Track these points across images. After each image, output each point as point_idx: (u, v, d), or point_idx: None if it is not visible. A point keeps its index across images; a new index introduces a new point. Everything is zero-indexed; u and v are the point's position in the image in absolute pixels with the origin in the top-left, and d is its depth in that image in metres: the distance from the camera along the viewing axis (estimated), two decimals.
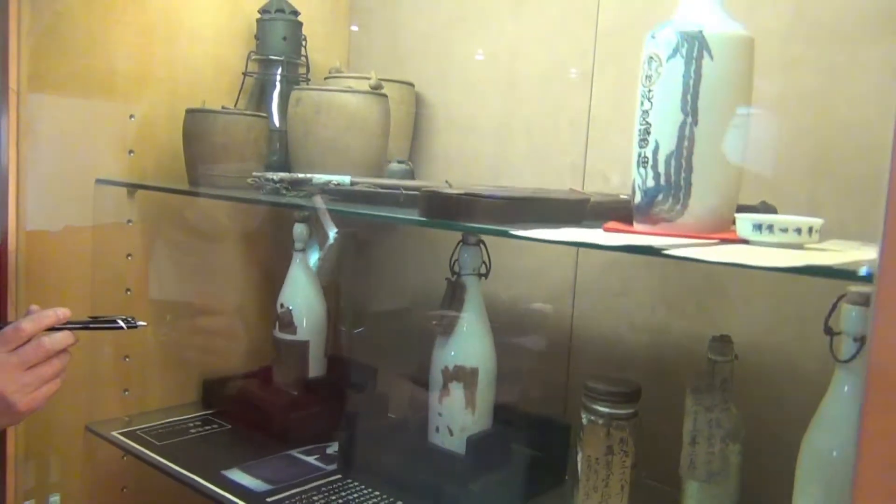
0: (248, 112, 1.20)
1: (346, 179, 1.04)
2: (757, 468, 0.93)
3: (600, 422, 0.97)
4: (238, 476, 1.07)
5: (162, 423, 1.25)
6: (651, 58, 0.73)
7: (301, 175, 1.04)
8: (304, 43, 1.33)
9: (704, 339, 1.07)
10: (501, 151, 1.31)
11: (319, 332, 1.29)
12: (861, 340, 0.78)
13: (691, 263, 1.06)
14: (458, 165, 1.36)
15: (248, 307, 1.42)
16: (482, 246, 1.08)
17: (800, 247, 0.66)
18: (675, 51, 0.70)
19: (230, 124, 1.12)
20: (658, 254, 0.60)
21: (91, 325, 0.93)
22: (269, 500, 1.00)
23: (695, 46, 0.70)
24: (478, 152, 1.34)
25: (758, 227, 0.65)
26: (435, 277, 1.32)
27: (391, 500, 1.02)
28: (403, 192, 0.94)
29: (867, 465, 0.44)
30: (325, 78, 1.34)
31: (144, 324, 0.97)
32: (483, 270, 1.08)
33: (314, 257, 1.28)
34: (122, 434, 1.20)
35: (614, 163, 1.17)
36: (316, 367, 1.28)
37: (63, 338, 0.89)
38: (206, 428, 1.25)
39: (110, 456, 1.26)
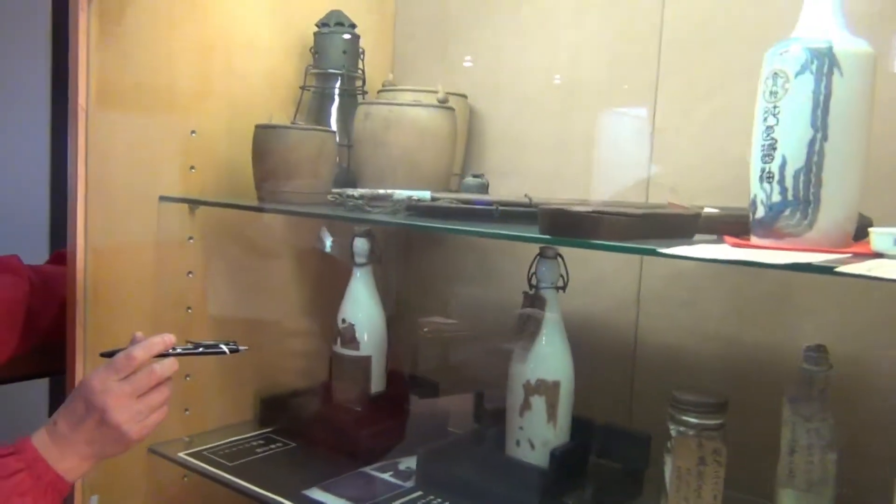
0: (318, 127, 1.19)
1: (427, 195, 1.04)
2: (852, 477, 0.94)
3: (691, 433, 0.98)
4: (321, 496, 1.06)
5: (226, 443, 1.24)
6: (776, 74, 0.73)
7: (381, 191, 1.04)
8: (361, 56, 1.32)
9: (778, 349, 1.09)
10: (558, 164, 1.32)
11: (380, 347, 1.28)
12: None
13: (761, 274, 1.08)
14: (514, 179, 1.36)
15: (303, 323, 1.41)
16: (560, 259, 1.08)
17: None
18: (805, 67, 0.71)
19: (304, 140, 1.12)
20: (830, 271, 0.60)
21: (196, 352, 0.93)
22: None
23: (825, 63, 0.71)
24: (532, 165, 1.34)
25: None
26: (504, 292, 1.33)
27: None
28: (498, 208, 0.94)
29: None
30: (379, 91, 1.33)
31: (246, 348, 0.96)
32: (561, 283, 1.09)
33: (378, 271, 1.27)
34: (189, 455, 1.18)
35: (680, 175, 1.18)
36: (377, 383, 1.28)
37: (171, 364, 0.89)
38: (272, 447, 1.24)
39: (171, 478, 1.24)
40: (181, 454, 1.19)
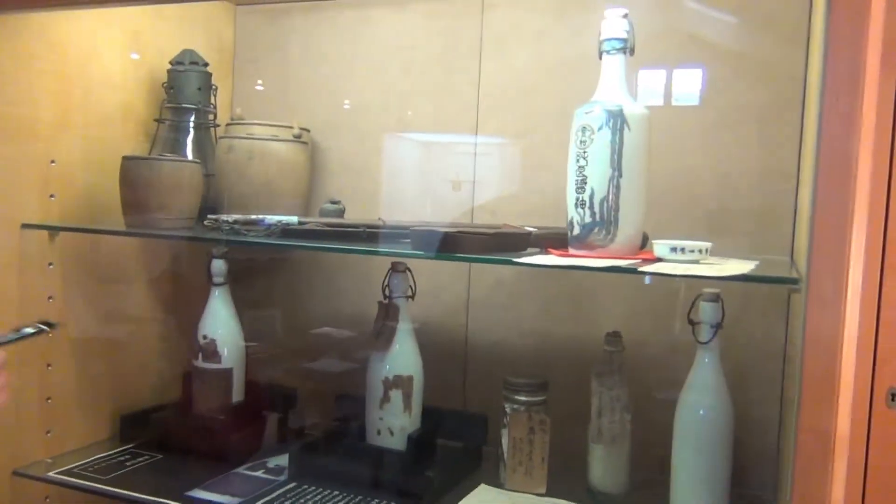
0: (186, 159, 1.29)
1: (294, 219, 1.19)
2: (642, 432, 1.22)
3: (522, 408, 1.22)
4: (204, 495, 1.16)
5: (91, 461, 1.28)
6: (584, 127, 0.99)
7: (253, 216, 1.17)
8: (214, 92, 1.43)
9: (581, 338, 1.36)
10: (393, 191, 1.52)
11: (240, 360, 1.39)
12: (717, 326, 1.10)
13: (569, 277, 1.34)
14: (354, 205, 1.53)
15: (159, 342, 1.47)
16: (409, 272, 1.27)
17: (697, 262, 0.95)
18: (604, 123, 0.97)
19: (173, 171, 1.21)
20: (635, 272, 0.85)
21: (13, 339, 1.01)
22: None
23: (618, 121, 0.97)
24: (371, 192, 1.53)
25: (673, 249, 0.94)
26: (352, 304, 1.50)
27: (350, 496, 1.17)
28: (365, 230, 1.11)
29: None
30: (228, 124, 1.45)
31: (56, 323, 1.09)
32: (409, 293, 1.28)
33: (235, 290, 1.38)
34: (59, 474, 1.22)
35: (498, 200, 1.43)
36: (238, 392, 1.39)
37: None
38: (139, 460, 1.30)
39: (33, 500, 1.26)
40: (50, 474, 1.22)
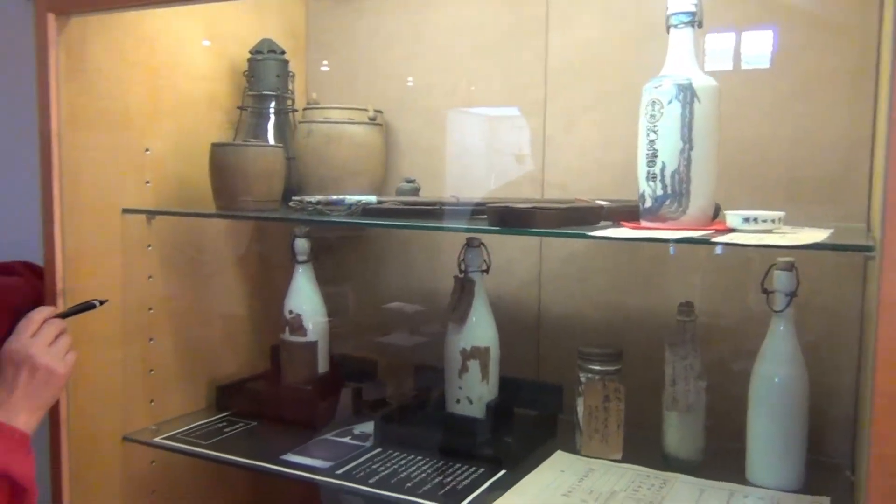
0: (270, 144, 1.36)
1: (373, 199, 1.24)
2: (716, 400, 1.24)
3: (596, 378, 1.25)
4: (297, 458, 1.24)
5: (191, 427, 1.38)
6: (654, 102, 1.01)
7: (335, 197, 1.23)
8: (291, 78, 1.49)
9: (653, 309, 1.38)
10: (463, 169, 1.56)
11: (324, 333, 1.46)
12: (791, 295, 1.11)
13: (641, 250, 1.36)
14: (426, 183, 1.57)
15: (247, 318, 1.57)
16: (483, 247, 1.32)
17: (770, 232, 0.96)
18: (674, 97, 0.99)
19: (259, 156, 1.28)
20: (707, 242, 0.88)
21: (76, 311, 1.19)
22: (337, 472, 1.18)
23: (688, 94, 0.98)
24: (440, 170, 1.57)
25: (746, 219, 0.95)
26: (428, 279, 1.55)
27: (432, 461, 1.23)
28: (441, 207, 1.16)
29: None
30: (305, 109, 1.51)
31: (107, 300, 1.24)
32: (484, 267, 1.32)
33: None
34: (164, 439, 1.32)
35: (567, 175, 1.45)
36: (323, 364, 1.46)
37: (61, 321, 1.14)
38: (236, 427, 1.39)
39: (141, 464, 1.37)
40: (156, 439, 1.32)
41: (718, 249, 1.22)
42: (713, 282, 1.31)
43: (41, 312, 1.14)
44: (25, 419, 1.06)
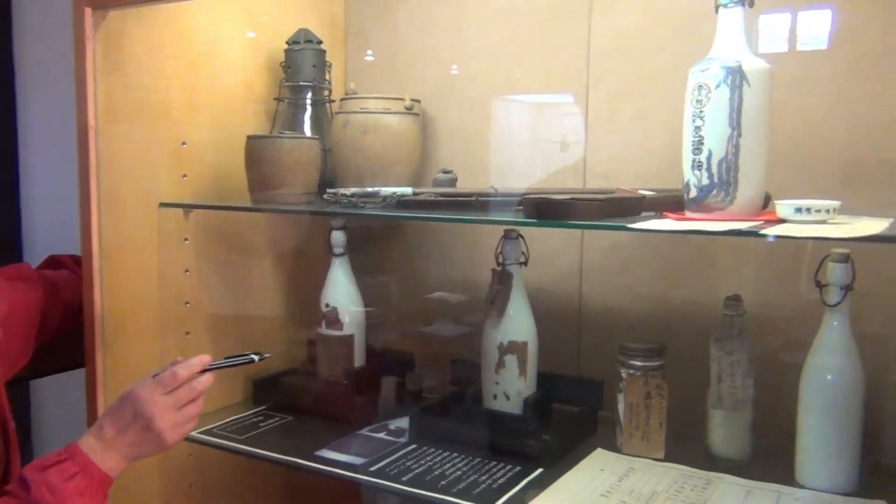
0: (305, 136, 1.35)
1: (409, 191, 1.22)
2: (766, 397, 1.19)
3: (638, 374, 1.21)
4: (332, 454, 1.22)
5: (228, 421, 1.37)
6: (700, 86, 0.96)
7: (370, 189, 1.21)
8: (328, 69, 1.48)
9: (699, 302, 1.33)
10: (504, 158, 1.52)
11: (361, 326, 1.45)
12: (846, 288, 1.05)
13: (687, 241, 1.31)
14: (465, 173, 1.54)
15: (283, 311, 1.56)
16: (521, 239, 1.28)
17: (824, 222, 0.91)
18: (722, 81, 0.94)
19: (294, 147, 1.27)
20: (756, 235, 0.83)
21: (229, 364, 1.10)
22: (371, 469, 1.17)
23: (737, 77, 0.93)
24: (481, 160, 1.54)
25: (798, 209, 0.90)
26: (465, 271, 1.53)
27: (468, 458, 1.21)
28: (477, 198, 1.13)
29: None
30: (343, 99, 1.49)
31: (269, 355, 1.14)
32: (522, 259, 1.29)
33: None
34: (200, 433, 1.31)
35: (610, 164, 1.40)
36: (360, 358, 1.44)
37: (207, 380, 1.05)
38: (271, 421, 1.38)
39: (178, 456, 1.37)
40: (193, 433, 1.31)
41: (771, 238, 1.15)
42: (763, 274, 1.25)
43: (189, 368, 1.05)
44: (115, 463, 1.01)
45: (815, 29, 1.19)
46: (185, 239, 1.36)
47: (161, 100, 1.30)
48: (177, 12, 1.31)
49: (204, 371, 1.07)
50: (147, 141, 1.29)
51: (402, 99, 1.37)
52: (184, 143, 1.35)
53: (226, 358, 1.11)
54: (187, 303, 1.38)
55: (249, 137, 1.30)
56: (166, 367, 1.05)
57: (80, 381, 1.27)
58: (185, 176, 1.35)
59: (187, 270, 1.37)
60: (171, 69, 1.31)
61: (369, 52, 1.65)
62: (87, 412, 1.22)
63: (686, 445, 1.20)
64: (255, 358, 1.11)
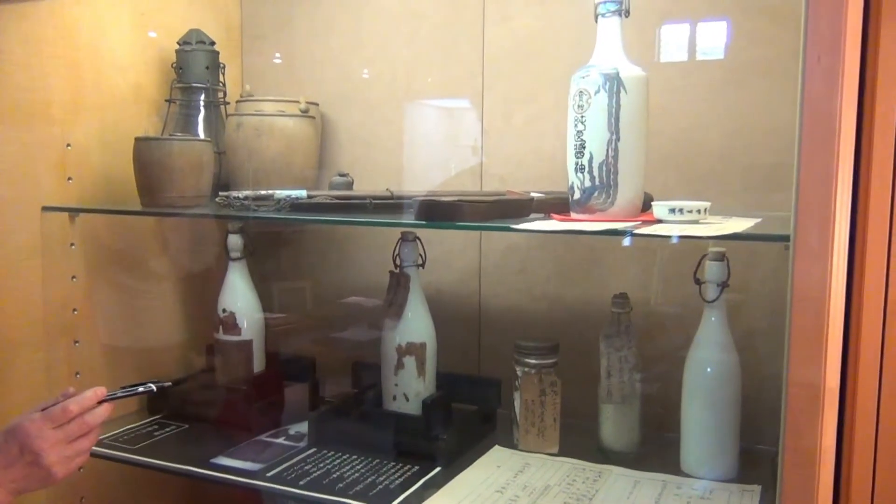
0: (197, 138, 1.32)
1: (303, 193, 1.21)
2: (653, 391, 1.24)
3: (532, 371, 1.24)
4: (227, 461, 1.20)
5: (120, 431, 1.33)
6: (581, 92, 0.99)
7: (263, 192, 1.20)
8: (222, 70, 1.45)
9: (591, 301, 1.37)
10: (402, 161, 1.53)
11: (259, 331, 1.43)
12: (722, 285, 1.11)
13: (579, 242, 1.35)
14: (364, 176, 1.55)
15: (178, 317, 1.52)
16: (419, 241, 1.29)
17: (696, 222, 0.96)
18: (601, 87, 0.97)
19: (184, 150, 1.24)
20: (630, 234, 0.86)
21: (126, 395, 1.05)
22: (268, 474, 1.15)
23: (615, 84, 0.97)
24: (380, 163, 1.54)
25: (672, 210, 0.94)
26: (364, 274, 1.53)
27: (367, 460, 1.21)
28: (371, 201, 1.13)
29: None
30: (238, 101, 1.47)
31: (169, 383, 1.12)
32: (420, 262, 1.30)
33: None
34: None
35: (506, 167, 1.43)
36: (258, 363, 1.43)
37: (101, 413, 0.99)
38: (167, 430, 1.35)
39: None
40: None
41: (675, 239, 1.19)
42: (649, 273, 1.31)
43: (81, 404, 0.98)
44: (1, 498, 0.96)
45: (692, 39, 1.25)
46: (72, 244, 1.32)
47: (42, 100, 1.25)
48: (57, 6, 1.26)
49: (101, 402, 1.01)
50: (26, 143, 1.23)
51: (298, 101, 1.36)
52: (68, 145, 1.30)
53: (122, 388, 1.05)
54: (75, 310, 1.33)
55: (137, 139, 1.26)
56: (58, 398, 1.00)
57: None
58: (70, 179, 1.30)
59: (74, 277, 1.32)
60: (53, 68, 1.26)
61: (267, 56, 1.63)
62: None
63: (580, 440, 1.24)
64: (154, 388, 1.07)
